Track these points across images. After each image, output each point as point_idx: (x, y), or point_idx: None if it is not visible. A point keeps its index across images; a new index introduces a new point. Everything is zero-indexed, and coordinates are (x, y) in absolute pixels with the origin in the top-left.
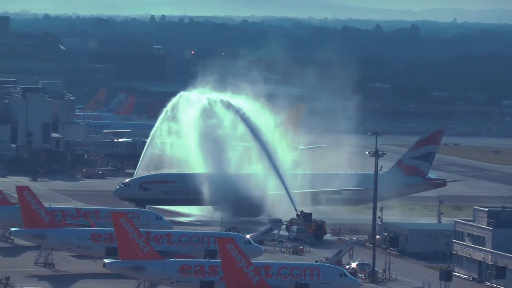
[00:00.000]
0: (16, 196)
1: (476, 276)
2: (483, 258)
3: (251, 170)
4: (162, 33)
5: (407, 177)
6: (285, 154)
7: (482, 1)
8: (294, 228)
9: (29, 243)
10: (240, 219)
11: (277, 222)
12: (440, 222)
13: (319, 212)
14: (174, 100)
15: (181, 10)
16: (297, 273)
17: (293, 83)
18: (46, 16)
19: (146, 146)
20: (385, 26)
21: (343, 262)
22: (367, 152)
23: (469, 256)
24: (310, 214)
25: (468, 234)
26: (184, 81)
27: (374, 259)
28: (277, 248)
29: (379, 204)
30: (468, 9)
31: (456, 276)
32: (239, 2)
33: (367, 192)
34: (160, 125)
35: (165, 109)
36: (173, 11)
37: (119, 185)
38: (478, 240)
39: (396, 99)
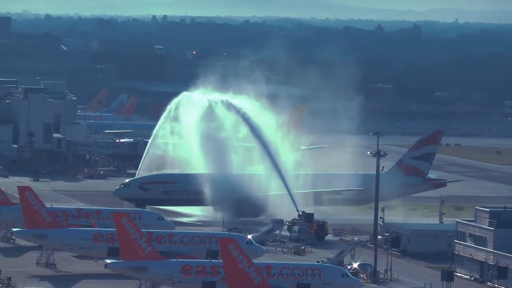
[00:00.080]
0: (18, 197)
1: (477, 277)
2: (484, 258)
3: (253, 170)
4: (164, 33)
5: (407, 177)
6: (287, 155)
7: (483, 1)
8: (296, 228)
9: (30, 243)
10: (241, 219)
11: (278, 223)
12: (442, 222)
13: (321, 212)
14: (175, 101)
15: (183, 10)
16: (298, 273)
17: (295, 83)
18: (48, 17)
19: (147, 146)
20: (386, 26)
21: (344, 263)
22: (368, 153)
23: (471, 257)
24: (312, 214)
25: (470, 235)
26: (186, 81)
27: (375, 259)
28: (278, 249)
29: (380, 205)
30: (469, 10)
31: (458, 276)
32: (241, 3)
33: (367, 192)
34: (162, 125)
35: (166, 110)
36: (175, 11)
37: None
38: (479, 241)
39: (398, 100)
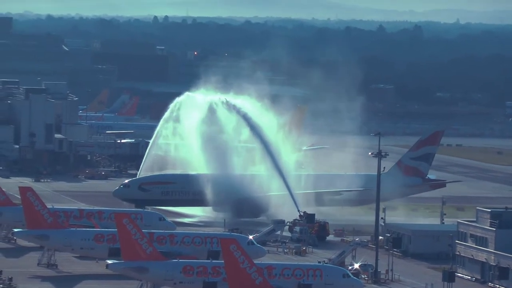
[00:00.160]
0: (19, 197)
1: (479, 277)
2: (486, 259)
3: (253, 171)
4: (165, 34)
5: (406, 178)
6: (288, 155)
7: (485, 2)
8: (297, 229)
9: (32, 244)
10: (242, 220)
11: (280, 223)
12: (443, 223)
13: (322, 213)
14: (176, 101)
15: (184, 11)
16: (300, 274)
17: (296, 84)
18: (49, 17)
19: (149, 147)
20: (388, 27)
21: (346, 263)
22: (370, 153)
23: (472, 257)
24: (313, 215)
25: (471, 235)
26: (187, 82)
27: (377, 260)
28: (280, 249)
29: (381, 205)
30: (471, 10)
31: (459, 277)
32: (242, 3)
33: (367, 193)
34: (163, 126)
35: (168, 110)
36: (176, 12)
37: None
38: (481, 241)
39: (399, 100)
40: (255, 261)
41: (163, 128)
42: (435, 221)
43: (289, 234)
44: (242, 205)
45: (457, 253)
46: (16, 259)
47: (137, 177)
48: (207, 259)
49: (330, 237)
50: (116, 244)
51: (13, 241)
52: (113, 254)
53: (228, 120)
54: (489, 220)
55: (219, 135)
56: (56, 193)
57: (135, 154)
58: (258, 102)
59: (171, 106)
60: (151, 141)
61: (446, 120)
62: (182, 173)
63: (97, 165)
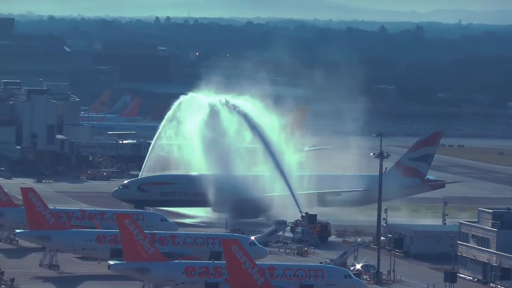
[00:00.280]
0: (21, 198)
1: (480, 278)
2: (487, 259)
3: (254, 171)
4: (167, 34)
5: (406, 179)
6: (290, 156)
7: (486, 2)
8: (299, 229)
9: (33, 244)
10: (243, 220)
11: (282, 224)
12: (445, 223)
13: (324, 213)
14: (178, 102)
15: (186, 11)
16: (301, 274)
17: (298, 84)
18: (51, 18)
19: (150, 147)
20: (389, 27)
21: (347, 264)
22: (371, 154)
23: (474, 258)
24: (315, 215)
25: (473, 236)
26: (189, 82)
27: (378, 260)
28: (281, 250)
29: (382, 206)
30: (472, 11)
31: (461, 277)
32: (244, 4)
33: (366, 194)
34: (165, 126)
35: (169, 111)
36: (178, 12)
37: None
38: (482, 242)
39: (401, 101)
40: (257, 262)
41: (165, 129)
42: (437, 221)
43: (291, 235)
44: (242, 206)
45: (459, 253)
46: (18, 260)
47: (139, 177)
48: (209, 260)
49: (332, 238)
50: (118, 245)
51: (15, 242)
52: (115, 254)
53: (230, 121)
54: (490, 221)
55: (220, 135)
56: (58, 194)
57: (137, 155)
58: (259, 102)
59: (173, 107)
60: (152, 142)
61: (448, 121)
62: (181, 173)
63: (99, 166)
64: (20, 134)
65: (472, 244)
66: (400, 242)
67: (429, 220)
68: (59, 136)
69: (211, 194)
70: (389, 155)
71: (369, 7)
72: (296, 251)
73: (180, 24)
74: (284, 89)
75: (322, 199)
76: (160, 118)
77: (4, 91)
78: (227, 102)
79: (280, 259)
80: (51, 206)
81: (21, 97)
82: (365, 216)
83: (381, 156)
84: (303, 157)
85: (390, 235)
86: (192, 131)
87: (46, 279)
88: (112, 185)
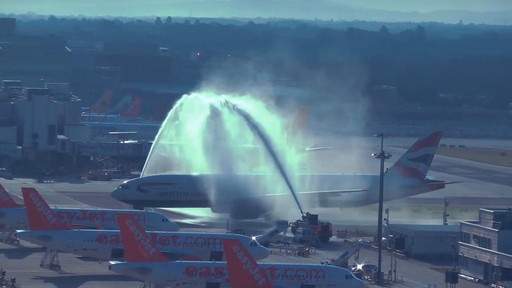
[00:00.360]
0: (22, 198)
1: (482, 278)
2: (489, 260)
3: (255, 171)
4: (168, 35)
5: (405, 179)
6: (291, 156)
7: (488, 3)
8: (300, 230)
9: (35, 245)
10: (244, 221)
11: (283, 224)
12: (446, 224)
13: (325, 213)
14: (179, 102)
15: (187, 12)
16: (303, 275)
17: (299, 84)
18: (52, 18)
19: (152, 148)
20: (391, 28)
21: (349, 264)
22: (373, 154)
23: (475, 258)
24: (316, 216)
25: (474, 236)
26: (190, 82)
27: (380, 261)
28: (283, 250)
29: (384, 206)
30: (474, 11)
31: (462, 278)
32: (245, 4)
33: (366, 194)
34: (166, 127)
35: (170, 111)
36: (179, 13)
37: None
38: (484, 242)
39: (402, 101)
40: (258, 262)
41: (166, 129)
42: (438, 222)
43: (292, 235)
44: (241, 206)
45: (460, 254)
46: (19, 260)
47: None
48: (210, 260)
49: (333, 238)
50: (119, 245)
51: (16, 242)
52: (116, 255)
53: (230, 121)
54: (492, 221)
55: (221, 136)
56: (59, 194)
57: (138, 155)
58: (261, 103)
59: (174, 107)
60: (153, 142)
61: (449, 121)
62: (180, 173)
63: (100, 166)
64: (21, 134)
65: (473, 244)
66: (401, 242)
67: (430, 221)
68: (60, 136)
69: (210, 194)
70: (390, 156)
71: (370, 8)
72: (297, 251)
73: (181, 24)
74: (285, 89)
75: (322, 200)
76: (161, 118)
77: (5, 91)
78: (226, 102)
79: (281, 259)
80: (52, 206)
81: (22, 97)
82: (366, 217)
83: (382, 156)
84: (304, 158)
85: (391, 236)
86: (193, 131)
87: (47, 279)
88: (113, 186)
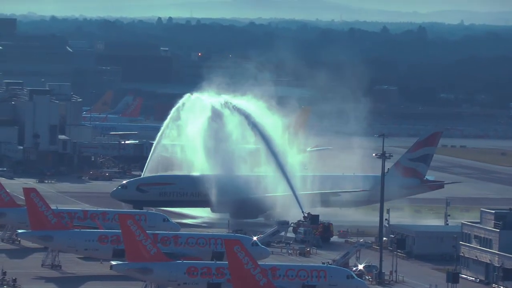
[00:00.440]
0: (23, 198)
1: (483, 278)
2: (490, 260)
3: (255, 172)
4: (169, 35)
5: (404, 179)
6: (293, 156)
7: (489, 3)
8: (301, 230)
9: (36, 245)
10: (245, 221)
11: (284, 224)
12: (447, 224)
13: (326, 214)
14: (180, 102)
15: (188, 12)
16: (304, 275)
17: (300, 85)
18: (53, 18)
19: (153, 148)
20: (392, 28)
21: (350, 264)
22: (374, 154)
23: (476, 258)
24: (317, 216)
25: (475, 236)
26: (191, 83)
27: (381, 261)
28: (284, 250)
29: (384, 206)
30: (475, 11)
31: (463, 278)
32: (246, 4)
33: (366, 194)
34: (167, 127)
35: (171, 111)
36: (180, 13)
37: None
38: (485, 242)
39: (403, 101)
40: (259, 262)
41: (167, 130)
42: (439, 222)
43: (293, 235)
44: (241, 206)
45: (461, 254)
46: (20, 260)
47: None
48: (211, 260)
49: (334, 238)
50: (120, 245)
51: (17, 242)
52: (117, 255)
53: (231, 121)
54: (493, 221)
55: (222, 136)
56: (60, 194)
57: (139, 155)
58: (262, 103)
59: (175, 107)
60: (155, 142)
61: (450, 121)
62: (180, 173)
63: (101, 166)
64: (22, 134)
65: (474, 244)
66: (403, 242)
67: (431, 221)
68: (61, 137)
69: (210, 195)
70: (392, 156)
71: (371, 8)
72: (298, 251)
73: (182, 24)
74: (286, 89)
75: (322, 200)
76: (163, 119)
77: (6, 91)
78: (227, 102)
79: (282, 259)
80: (53, 206)
81: (23, 97)
82: (367, 217)
83: (383, 156)
84: (305, 158)
85: (392, 236)
86: (193, 131)
87: (48, 279)
88: (114, 186)
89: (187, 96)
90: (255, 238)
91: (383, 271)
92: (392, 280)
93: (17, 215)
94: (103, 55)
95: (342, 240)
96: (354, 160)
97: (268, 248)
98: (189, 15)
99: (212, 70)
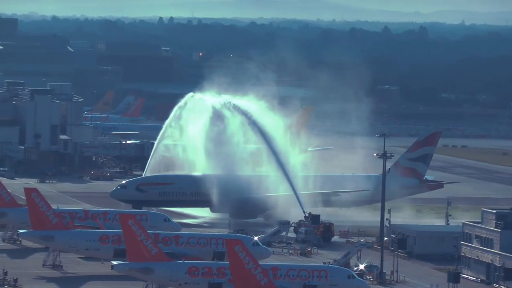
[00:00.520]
0: (24, 198)
1: (484, 278)
2: (491, 260)
3: (256, 171)
4: (170, 35)
5: (403, 179)
6: (294, 156)
7: (490, 3)
8: (302, 230)
9: (37, 245)
10: (245, 221)
11: (285, 224)
12: (448, 224)
13: (327, 213)
14: (181, 102)
15: (189, 12)
16: (305, 275)
17: (302, 85)
18: (54, 18)
19: (154, 148)
20: (393, 28)
21: (351, 264)
22: (375, 154)
23: (477, 258)
24: (318, 216)
25: (476, 236)
26: (192, 83)
27: (382, 261)
28: (285, 250)
29: (386, 206)
30: (476, 11)
31: (464, 278)
32: (247, 4)
33: (365, 194)
34: (168, 127)
35: (173, 111)
36: (181, 13)
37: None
38: (486, 242)
39: (404, 101)
40: (260, 262)
41: (168, 129)
42: (440, 222)
43: (294, 235)
44: (241, 206)
45: (462, 254)
46: (21, 260)
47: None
48: (212, 260)
49: (335, 238)
50: (121, 245)
51: (18, 242)
52: (118, 255)
53: (232, 121)
54: (494, 221)
55: (222, 136)
56: (61, 194)
57: (140, 155)
58: (263, 103)
59: (176, 107)
60: (155, 142)
61: (451, 121)
62: (179, 173)
63: (102, 166)
64: (24, 134)
65: (475, 244)
66: (404, 242)
67: (433, 221)
68: (62, 137)
69: (209, 194)
70: (393, 156)
71: (373, 8)
72: (299, 251)
73: (184, 24)
74: (287, 89)
75: (323, 200)
76: (164, 119)
77: (7, 91)
78: (229, 102)
79: (283, 259)
80: (54, 206)
81: (24, 97)
82: (368, 217)
83: (384, 156)
84: (307, 158)
85: (393, 236)
86: (194, 131)
87: (49, 279)
88: (115, 186)
89: (188, 96)
90: (256, 238)
91: (384, 271)
92: (393, 280)
93: (18, 215)
94: (104, 55)
95: (343, 240)
96: (355, 160)
97: (269, 248)
98: (190, 15)
99: (213, 70)
